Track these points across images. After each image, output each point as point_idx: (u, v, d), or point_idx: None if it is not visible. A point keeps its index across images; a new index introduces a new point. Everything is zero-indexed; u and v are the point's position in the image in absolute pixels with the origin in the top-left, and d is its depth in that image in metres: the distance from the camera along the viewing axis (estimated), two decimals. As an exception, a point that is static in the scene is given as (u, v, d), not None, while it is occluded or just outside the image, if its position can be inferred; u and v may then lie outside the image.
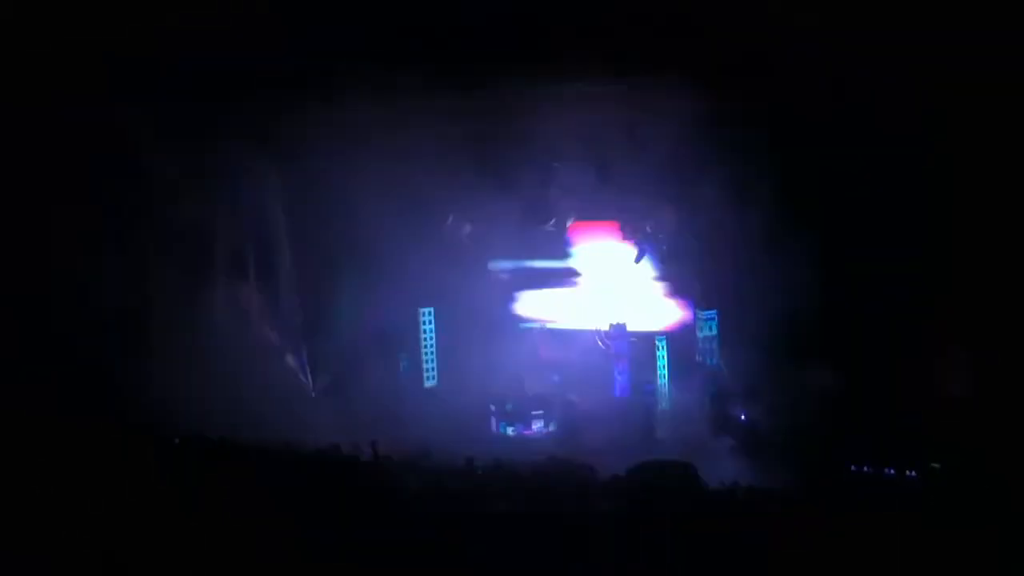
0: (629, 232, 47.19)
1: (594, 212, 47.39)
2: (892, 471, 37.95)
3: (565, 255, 48.92)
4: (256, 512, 20.37)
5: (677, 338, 47.17)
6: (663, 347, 47.30)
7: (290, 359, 46.30)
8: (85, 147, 38.12)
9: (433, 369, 48.23)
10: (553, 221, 47.21)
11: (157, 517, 19.98)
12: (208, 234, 44.34)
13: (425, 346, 48.00)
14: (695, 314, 46.47)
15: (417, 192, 44.61)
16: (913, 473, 37.84)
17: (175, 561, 18.52)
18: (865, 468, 38.26)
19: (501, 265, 48.86)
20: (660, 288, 48.11)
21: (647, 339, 47.63)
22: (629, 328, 48.23)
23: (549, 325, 49.61)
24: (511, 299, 49.13)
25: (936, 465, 37.34)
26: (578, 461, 38.01)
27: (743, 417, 43.58)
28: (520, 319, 49.62)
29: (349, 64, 37.58)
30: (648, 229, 46.12)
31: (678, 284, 47.41)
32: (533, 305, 49.49)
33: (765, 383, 41.53)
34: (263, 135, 41.09)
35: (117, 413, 34.33)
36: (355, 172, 41.88)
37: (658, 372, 47.38)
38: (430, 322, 47.95)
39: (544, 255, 48.90)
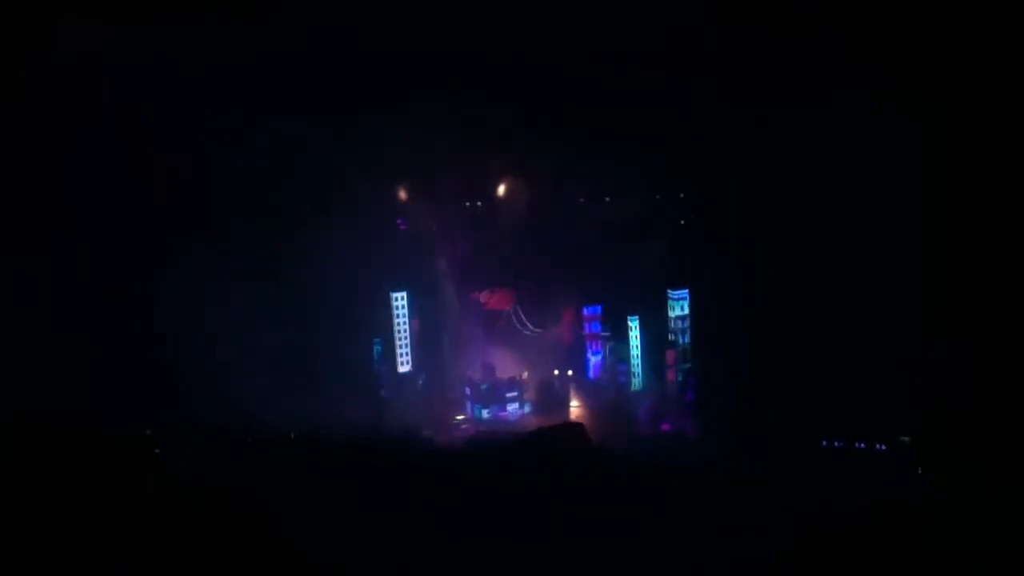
0: (607, 212, 46.84)
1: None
2: (862, 445, 38.75)
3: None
4: (240, 502, 20.12)
5: (649, 318, 47.54)
6: (635, 327, 47.65)
7: (263, 346, 45.66)
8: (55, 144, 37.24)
9: (407, 354, 47.95)
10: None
11: (140, 507, 19.64)
12: (181, 220, 43.34)
13: (398, 331, 47.67)
14: (667, 294, 46.81)
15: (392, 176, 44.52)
16: (883, 446, 38.68)
17: (162, 552, 18.25)
18: (836, 444, 39.00)
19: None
20: (632, 267, 48.30)
21: (620, 320, 47.98)
22: (603, 309, 48.64)
23: (521, 307, 49.68)
24: (482, 282, 49.04)
25: (905, 438, 38.18)
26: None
27: (714, 396, 44.06)
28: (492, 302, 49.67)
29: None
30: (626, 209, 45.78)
31: (651, 263, 47.66)
32: (505, 287, 49.45)
33: (738, 364, 41.87)
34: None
35: (93, 404, 33.77)
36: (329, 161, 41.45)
37: (631, 352, 47.89)
38: (403, 307, 47.57)
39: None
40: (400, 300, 47.68)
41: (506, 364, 48.64)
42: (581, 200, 47.24)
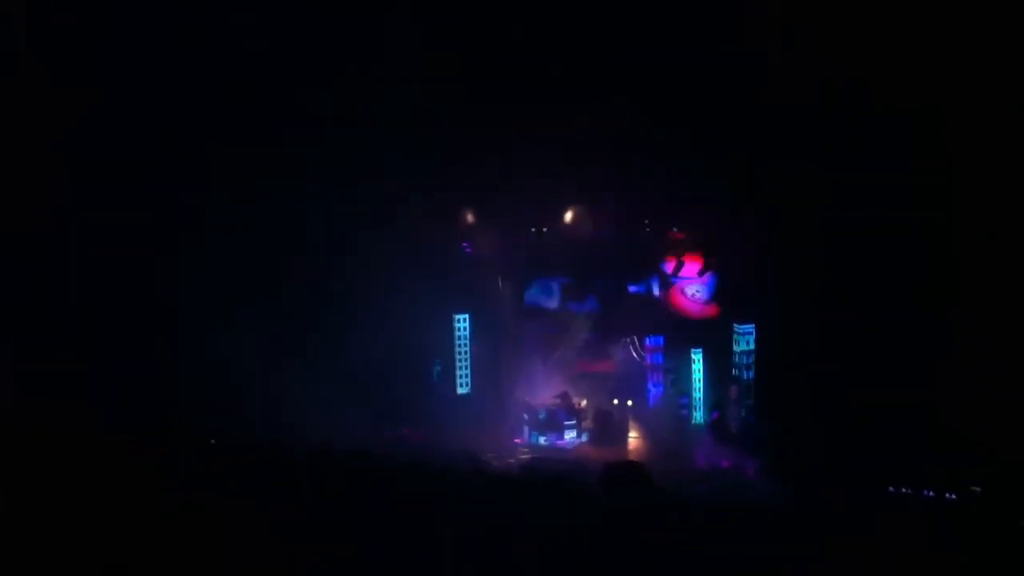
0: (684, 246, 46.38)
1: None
2: (931, 493, 37.22)
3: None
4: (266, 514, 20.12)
5: (713, 351, 46.82)
6: (699, 360, 46.93)
7: (323, 364, 46.17)
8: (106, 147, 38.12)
9: (467, 376, 48.15)
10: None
11: (171, 521, 19.78)
12: (238, 237, 44.17)
13: (459, 352, 47.87)
14: (732, 328, 46.10)
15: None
16: (952, 495, 37.11)
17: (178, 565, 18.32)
18: (904, 490, 37.56)
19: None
20: (699, 301, 47.77)
21: (683, 351, 47.36)
22: (666, 340, 48.07)
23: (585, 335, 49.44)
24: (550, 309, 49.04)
25: (976, 489, 36.58)
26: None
27: (777, 435, 43.00)
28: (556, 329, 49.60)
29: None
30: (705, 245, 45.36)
31: (717, 297, 47.09)
32: (571, 314, 49.32)
33: (802, 401, 40.86)
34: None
35: (151, 416, 34.37)
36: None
37: (693, 385, 47.15)
38: (465, 328, 47.84)
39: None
40: (462, 322, 48.10)
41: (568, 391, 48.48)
42: (647, 226, 47.09)
